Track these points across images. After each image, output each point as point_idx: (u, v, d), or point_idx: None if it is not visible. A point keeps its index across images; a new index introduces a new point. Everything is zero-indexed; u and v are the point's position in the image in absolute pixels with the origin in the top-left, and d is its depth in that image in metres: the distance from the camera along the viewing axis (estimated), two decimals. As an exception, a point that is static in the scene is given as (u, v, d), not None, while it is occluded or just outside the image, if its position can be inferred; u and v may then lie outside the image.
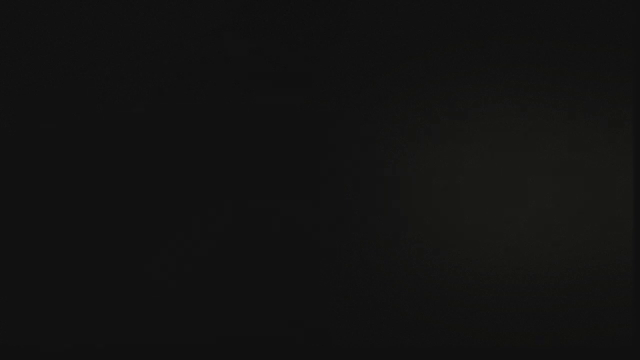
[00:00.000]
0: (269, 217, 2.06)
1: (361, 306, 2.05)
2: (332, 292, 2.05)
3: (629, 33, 2.07)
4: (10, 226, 2.07)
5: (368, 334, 2.05)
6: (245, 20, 1.87)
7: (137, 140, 2.09)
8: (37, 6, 2.10)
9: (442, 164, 2.06)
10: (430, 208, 2.06)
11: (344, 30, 1.81)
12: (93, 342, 2.02)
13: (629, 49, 2.07)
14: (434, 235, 2.05)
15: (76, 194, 2.08)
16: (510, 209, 2.05)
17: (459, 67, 2.07)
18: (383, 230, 2.06)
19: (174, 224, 2.06)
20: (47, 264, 2.06)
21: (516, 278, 2.04)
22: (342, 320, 2.04)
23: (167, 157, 2.07)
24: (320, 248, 2.06)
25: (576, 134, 2.07)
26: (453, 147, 2.07)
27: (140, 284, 2.05)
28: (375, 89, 2.08)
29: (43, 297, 2.05)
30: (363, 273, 2.06)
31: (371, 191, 2.06)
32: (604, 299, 2.04)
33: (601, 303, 2.04)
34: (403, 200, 2.06)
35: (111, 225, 2.07)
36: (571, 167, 2.06)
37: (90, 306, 2.04)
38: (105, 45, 2.09)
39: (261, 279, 2.05)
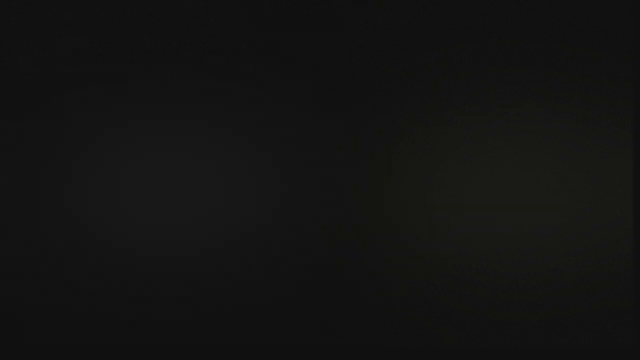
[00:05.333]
0: (270, 216, 2.06)
1: (360, 306, 2.05)
2: (332, 293, 2.05)
3: (629, 34, 2.07)
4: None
5: (367, 334, 2.05)
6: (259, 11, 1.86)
7: (138, 138, 2.09)
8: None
9: (441, 165, 2.06)
10: (430, 208, 2.06)
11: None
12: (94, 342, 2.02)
13: (629, 49, 2.07)
14: (433, 235, 2.05)
15: (76, 193, 2.08)
16: (510, 209, 2.05)
17: (459, 68, 2.07)
18: (382, 231, 2.06)
19: (173, 224, 2.06)
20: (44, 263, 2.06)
21: (517, 278, 2.04)
22: (342, 321, 2.04)
23: (168, 154, 2.07)
24: (321, 249, 2.05)
25: (576, 134, 2.07)
26: (453, 148, 2.07)
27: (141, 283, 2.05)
28: (376, 89, 2.08)
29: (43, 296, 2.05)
30: (363, 273, 2.06)
31: (371, 191, 2.06)
32: (604, 299, 2.04)
33: (601, 303, 2.04)
34: (402, 200, 2.06)
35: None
36: (571, 168, 2.06)
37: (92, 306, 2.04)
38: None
39: (259, 278, 2.05)
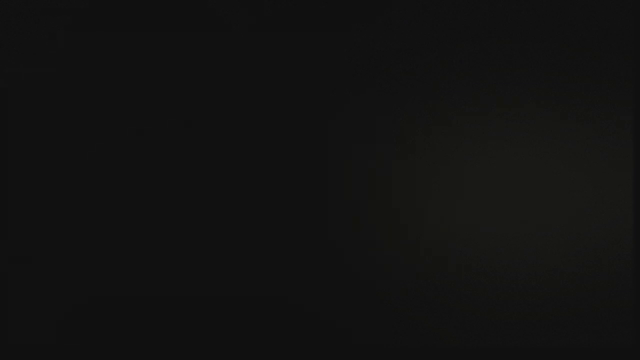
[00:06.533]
0: (272, 216, 2.06)
1: (360, 306, 2.05)
2: (333, 293, 2.05)
3: (629, 34, 2.07)
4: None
5: (367, 334, 2.05)
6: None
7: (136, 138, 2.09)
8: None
9: (443, 165, 2.06)
10: (431, 208, 2.06)
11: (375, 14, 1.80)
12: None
13: (629, 49, 2.07)
14: (433, 235, 2.05)
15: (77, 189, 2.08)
16: (510, 209, 2.05)
17: (459, 68, 2.07)
18: (382, 230, 2.06)
19: (174, 227, 2.06)
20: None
21: (516, 278, 2.04)
22: (342, 320, 2.04)
23: (165, 152, 2.07)
24: (320, 249, 2.05)
25: (576, 134, 2.07)
26: (453, 148, 2.07)
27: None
28: (376, 89, 2.08)
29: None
30: (363, 273, 2.06)
31: (371, 191, 2.06)
32: (604, 299, 2.04)
33: (601, 303, 2.04)
34: (402, 200, 2.06)
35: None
36: (571, 167, 2.06)
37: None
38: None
39: (260, 277, 2.05)
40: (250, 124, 2.07)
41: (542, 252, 2.04)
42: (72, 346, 2.03)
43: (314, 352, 2.04)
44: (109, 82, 2.07)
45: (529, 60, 2.07)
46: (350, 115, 2.07)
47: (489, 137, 2.07)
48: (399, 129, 2.07)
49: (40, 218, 2.05)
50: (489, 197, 2.06)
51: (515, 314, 2.04)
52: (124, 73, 2.07)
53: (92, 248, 2.05)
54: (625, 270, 2.04)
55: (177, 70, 2.07)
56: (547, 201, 2.05)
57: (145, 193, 2.06)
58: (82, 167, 2.06)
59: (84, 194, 2.05)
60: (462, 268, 2.04)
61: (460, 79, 2.07)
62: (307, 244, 2.05)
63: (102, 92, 2.06)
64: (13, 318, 2.04)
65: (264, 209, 2.06)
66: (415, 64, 2.07)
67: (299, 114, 2.06)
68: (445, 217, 2.05)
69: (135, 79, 2.07)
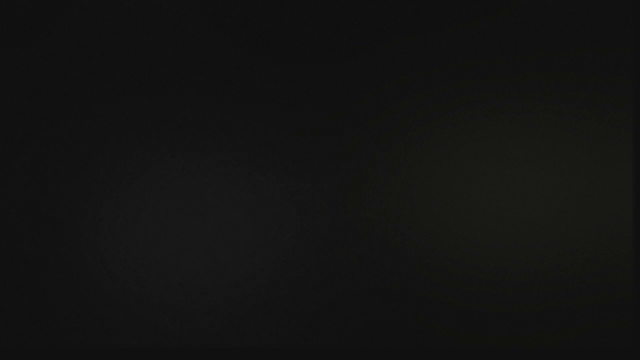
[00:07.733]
0: (271, 216, 2.07)
1: (361, 306, 2.05)
2: (333, 293, 2.05)
3: (629, 34, 2.07)
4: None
5: (367, 334, 2.05)
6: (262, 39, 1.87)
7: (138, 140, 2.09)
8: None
9: (444, 165, 2.07)
10: (431, 208, 2.06)
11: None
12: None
13: (629, 50, 2.07)
14: (434, 235, 2.05)
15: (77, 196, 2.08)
16: (510, 209, 2.06)
17: (459, 68, 2.08)
18: (382, 231, 2.06)
19: (175, 225, 2.07)
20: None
21: (516, 278, 2.05)
22: (342, 321, 2.04)
23: (172, 160, 2.07)
24: (321, 249, 2.06)
25: (576, 134, 2.07)
26: (454, 147, 2.07)
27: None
28: (376, 89, 2.08)
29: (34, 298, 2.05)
30: (363, 273, 2.06)
31: (373, 191, 2.07)
32: (604, 299, 2.04)
33: (601, 303, 2.04)
34: (403, 200, 2.06)
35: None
36: (571, 168, 2.06)
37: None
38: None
39: (259, 278, 2.06)
40: (250, 124, 2.07)
41: (541, 252, 2.05)
42: None
43: (314, 352, 2.05)
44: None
45: (529, 60, 2.07)
46: (350, 115, 2.07)
47: (489, 137, 2.07)
48: (399, 129, 2.07)
49: None
50: (488, 197, 2.06)
51: (515, 314, 2.04)
52: None
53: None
54: (625, 270, 2.04)
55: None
56: (547, 201, 2.06)
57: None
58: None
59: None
60: (462, 268, 2.05)
61: (459, 78, 2.07)
62: (306, 245, 2.05)
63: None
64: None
65: (261, 209, 2.06)
66: (415, 64, 2.08)
67: (298, 114, 2.07)
68: (445, 217, 2.05)
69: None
